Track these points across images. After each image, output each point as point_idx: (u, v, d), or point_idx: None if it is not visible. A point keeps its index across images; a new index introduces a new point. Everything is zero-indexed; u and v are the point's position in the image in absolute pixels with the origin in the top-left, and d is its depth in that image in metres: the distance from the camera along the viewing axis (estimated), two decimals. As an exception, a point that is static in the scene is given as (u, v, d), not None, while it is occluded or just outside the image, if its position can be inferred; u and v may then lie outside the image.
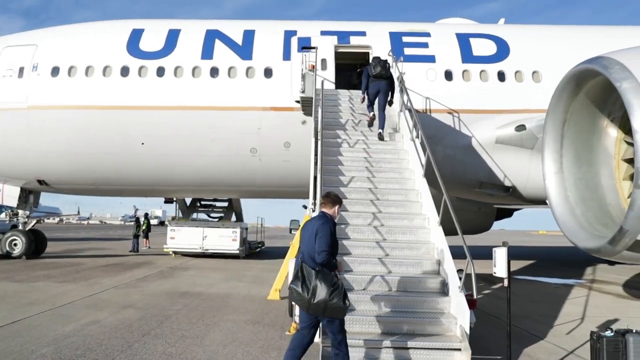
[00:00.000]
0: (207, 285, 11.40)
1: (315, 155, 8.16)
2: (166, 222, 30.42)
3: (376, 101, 10.24)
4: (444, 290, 6.07)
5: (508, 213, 22.53)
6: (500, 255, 4.94)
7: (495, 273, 5.09)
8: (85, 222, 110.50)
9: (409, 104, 9.70)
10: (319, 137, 8.60)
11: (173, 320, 7.46)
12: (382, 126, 9.90)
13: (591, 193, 8.23)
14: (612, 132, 8.19)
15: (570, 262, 21.27)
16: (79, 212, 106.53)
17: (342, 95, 11.95)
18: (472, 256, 5.29)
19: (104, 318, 7.45)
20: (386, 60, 10.58)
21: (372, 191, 8.01)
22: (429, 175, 7.94)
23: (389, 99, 10.33)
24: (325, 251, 4.43)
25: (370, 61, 10.74)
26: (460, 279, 5.50)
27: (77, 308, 8.24)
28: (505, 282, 5.05)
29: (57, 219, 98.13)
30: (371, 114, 10.24)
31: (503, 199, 15.66)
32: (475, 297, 5.19)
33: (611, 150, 8.21)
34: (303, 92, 12.19)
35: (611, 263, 18.88)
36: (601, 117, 8.23)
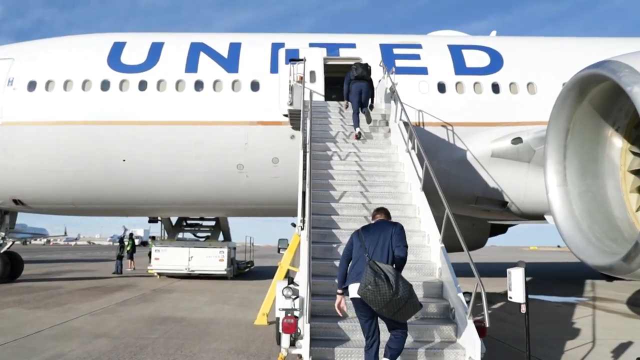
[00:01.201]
0: (190, 310, 10.69)
1: (304, 169, 7.60)
2: (149, 243, 29.60)
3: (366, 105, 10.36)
4: (449, 316, 5.46)
5: (502, 229, 22.04)
6: (517, 277, 4.33)
7: (510, 298, 4.48)
8: (73, 243, 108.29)
9: (403, 115, 9.23)
10: (308, 150, 8.04)
11: (148, 351, 6.77)
12: (368, 121, 9.91)
13: (597, 206, 7.74)
14: (618, 142, 7.76)
15: (567, 278, 20.78)
16: (65, 232, 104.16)
17: (332, 107, 11.44)
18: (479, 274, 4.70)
19: (70, 350, 6.72)
20: (367, 64, 10.65)
21: (365, 207, 7.42)
22: (425, 189, 7.42)
23: (370, 103, 10.46)
24: (406, 245, 4.72)
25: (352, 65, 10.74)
26: (467, 302, 4.90)
27: (43, 339, 7.49)
28: (523, 308, 4.44)
29: (43, 240, 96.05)
30: (357, 130, 9.93)
31: (499, 215, 15.15)
32: (487, 324, 4.54)
33: (617, 161, 7.78)
34: (291, 104, 11.65)
35: (609, 279, 18.39)
36: (606, 126, 7.80)
